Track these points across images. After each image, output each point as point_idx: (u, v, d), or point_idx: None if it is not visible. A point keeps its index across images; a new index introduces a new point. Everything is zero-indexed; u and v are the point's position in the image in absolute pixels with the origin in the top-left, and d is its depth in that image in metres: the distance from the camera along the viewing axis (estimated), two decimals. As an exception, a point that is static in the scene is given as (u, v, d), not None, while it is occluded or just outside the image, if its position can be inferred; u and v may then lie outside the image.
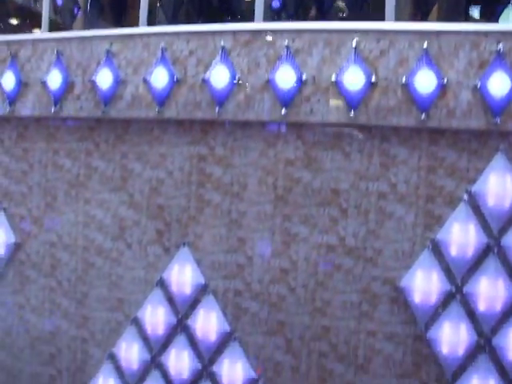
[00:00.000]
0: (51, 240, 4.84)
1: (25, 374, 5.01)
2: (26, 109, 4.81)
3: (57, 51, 4.74)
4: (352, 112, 4.03)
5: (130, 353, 4.61)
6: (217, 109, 4.26)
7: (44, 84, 4.76)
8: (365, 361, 4.23)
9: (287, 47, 4.13)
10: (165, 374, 4.57)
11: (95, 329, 4.77)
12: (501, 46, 3.77)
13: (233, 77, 4.26)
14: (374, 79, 4.01)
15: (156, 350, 4.59)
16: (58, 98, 4.68)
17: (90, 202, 4.72)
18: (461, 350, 4.04)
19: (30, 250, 4.91)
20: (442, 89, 3.89)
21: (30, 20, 6.85)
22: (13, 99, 4.83)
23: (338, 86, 4.05)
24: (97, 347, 4.78)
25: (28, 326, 4.96)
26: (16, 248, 4.94)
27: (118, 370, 4.71)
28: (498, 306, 3.96)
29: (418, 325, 4.11)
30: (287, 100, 4.16)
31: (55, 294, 4.87)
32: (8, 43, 5.01)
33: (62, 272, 4.84)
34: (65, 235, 4.80)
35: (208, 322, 4.39)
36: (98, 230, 4.70)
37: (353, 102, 4.06)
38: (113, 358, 4.71)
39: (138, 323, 4.61)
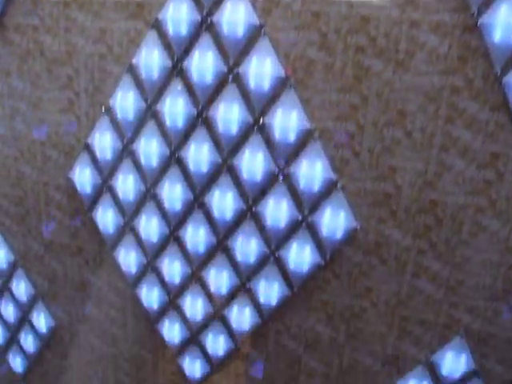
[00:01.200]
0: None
1: (44, 101, 4.77)
2: None
3: None
4: None
5: (151, 60, 4.29)
6: None
7: None
8: (406, 56, 3.87)
9: None
10: (187, 82, 4.28)
11: (113, 42, 4.44)
12: None
13: None
14: None
15: (178, 55, 4.26)
16: None
17: None
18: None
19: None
20: None
21: None
22: None
23: None
24: (115, 63, 4.48)
25: (43, 48, 4.66)
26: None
27: (137, 80, 4.43)
28: None
29: (468, 11, 3.70)
30: None
31: (69, 9, 4.52)
32: None
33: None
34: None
35: (236, 16, 4.02)
36: None
37: None
38: (132, 71, 4.43)
39: (158, 27, 4.26)
